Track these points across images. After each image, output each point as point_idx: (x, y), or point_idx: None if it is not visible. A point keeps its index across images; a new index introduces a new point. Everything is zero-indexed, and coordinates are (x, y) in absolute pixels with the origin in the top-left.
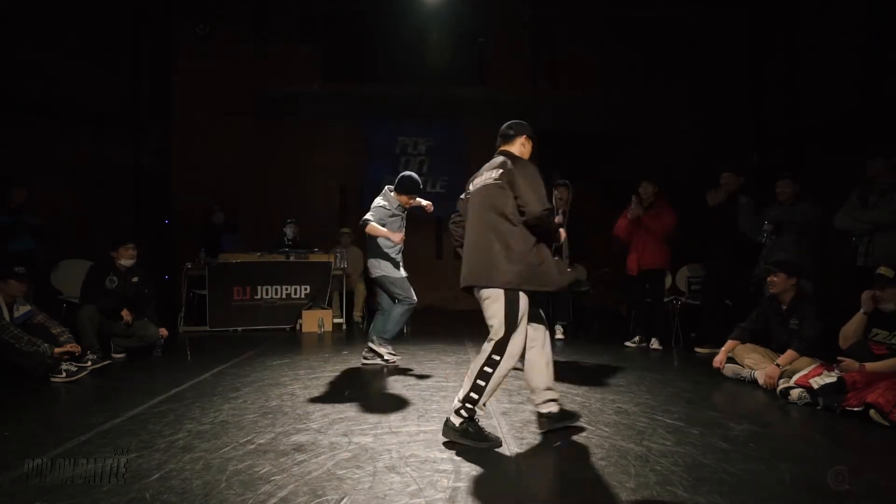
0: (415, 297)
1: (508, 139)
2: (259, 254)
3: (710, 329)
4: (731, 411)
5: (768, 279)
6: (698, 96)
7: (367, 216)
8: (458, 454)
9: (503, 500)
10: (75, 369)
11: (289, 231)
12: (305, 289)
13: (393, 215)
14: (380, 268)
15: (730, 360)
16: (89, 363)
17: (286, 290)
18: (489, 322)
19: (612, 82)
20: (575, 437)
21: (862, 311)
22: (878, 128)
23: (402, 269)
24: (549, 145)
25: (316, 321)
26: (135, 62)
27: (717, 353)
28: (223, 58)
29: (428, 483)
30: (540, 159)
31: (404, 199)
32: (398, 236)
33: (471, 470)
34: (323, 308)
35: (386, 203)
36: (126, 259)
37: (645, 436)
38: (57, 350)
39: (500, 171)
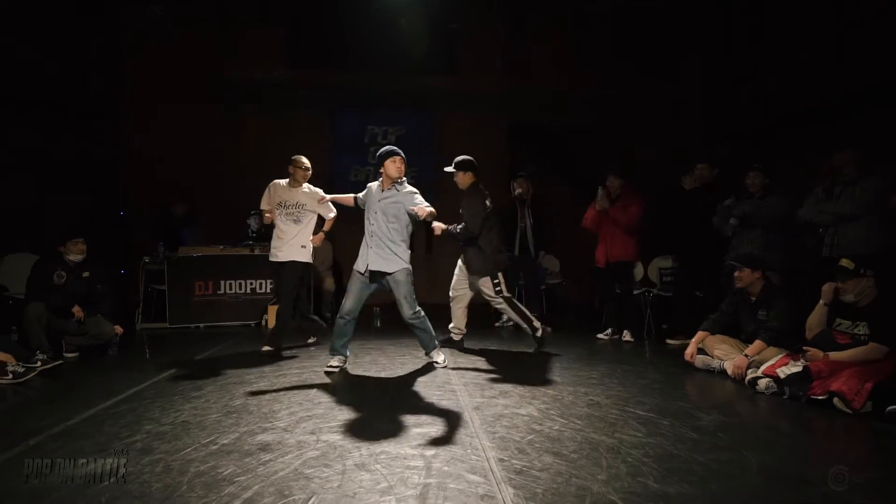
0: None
1: None
2: (222, 247)
3: (682, 321)
4: (701, 402)
5: (734, 274)
6: (672, 87)
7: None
8: (428, 450)
9: (474, 496)
10: (23, 370)
11: (253, 223)
12: (270, 283)
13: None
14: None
15: (700, 350)
16: (38, 363)
17: (251, 284)
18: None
19: (585, 73)
20: (547, 431)
21: (822, 301)
22: (845, 120)
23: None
24: (521, 137)
25: None
26: (83, 46)
27: (688, 345)
28: (181, 42)
29: (398, 480)
30: (513, 149)
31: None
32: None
33: (442, 465)
34: None
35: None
36: (75, 254)
37: (617, 428)
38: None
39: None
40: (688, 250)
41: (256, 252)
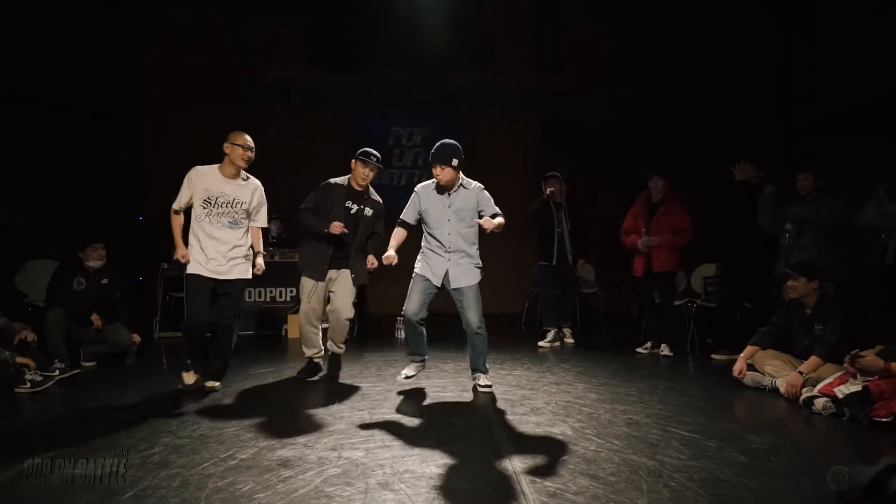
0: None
1: None
2: None
3: (728, 334)
4: (751, 422)
5: (788, 284)
6: (716, 84)
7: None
8: (454, 470)
9: None
10: (41, 379)
11: (273, 228)
12: (291, 291)
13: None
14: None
15: (749, 367)
16: (57, 372)
17: (270, 292)
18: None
19: (623, 68)
20: (583, 451)
21: None
22: None
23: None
24: (554, 136)
25: None
26: (108, 46)
27: (735, 360)
28: (203, 43)
29: (424, 501)
30: (545, 151)
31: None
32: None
33: (469, 486)
34: None
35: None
36: (94, 260)
37: (658, 449)
38: (19, 359)
39: None
40: (734, 257)
41: (276, 259)
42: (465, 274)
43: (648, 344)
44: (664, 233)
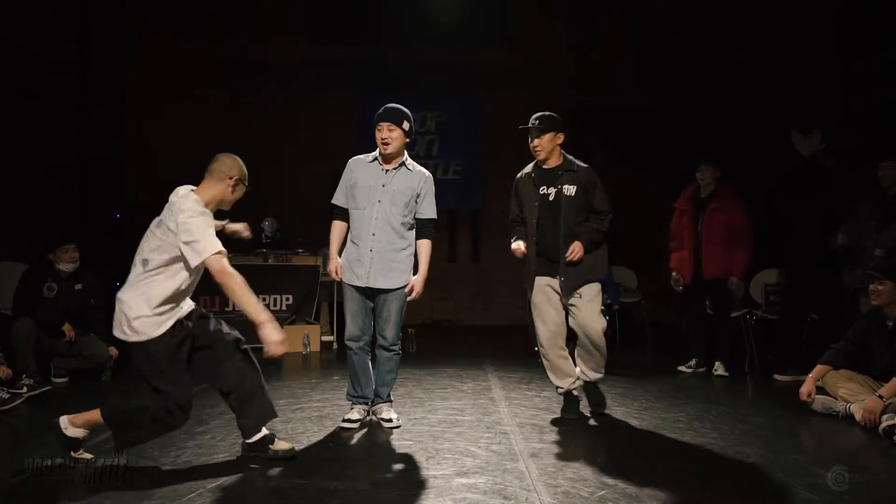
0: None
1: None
2: (230, 255)
3: (793, 351)
4: (821, 454)
5: (870, 288)
6: (767, 63)
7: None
8: None
9: None
10: (8, 396)
11: (267, 227)
12: (287, 299)
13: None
14: None
15: (819, 390)
16: (25, 389)
17: (263, 300)
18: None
19: (663, 44)
20: (623, 486)
21: None
22: None
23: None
24: (585, 120)
25: (300, 338)
26: (81, 25)
27: (802, 382)
28: (187, 20)
29: None
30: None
31: None
32: None
33: None
34: (308, 322)
35: None
36: (66, 263)
37: (712, 484)
38: None
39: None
40: (800, 261)
41: (271, 261)
42: (387, 272)
43: (693, 362)
44: (717, 233)
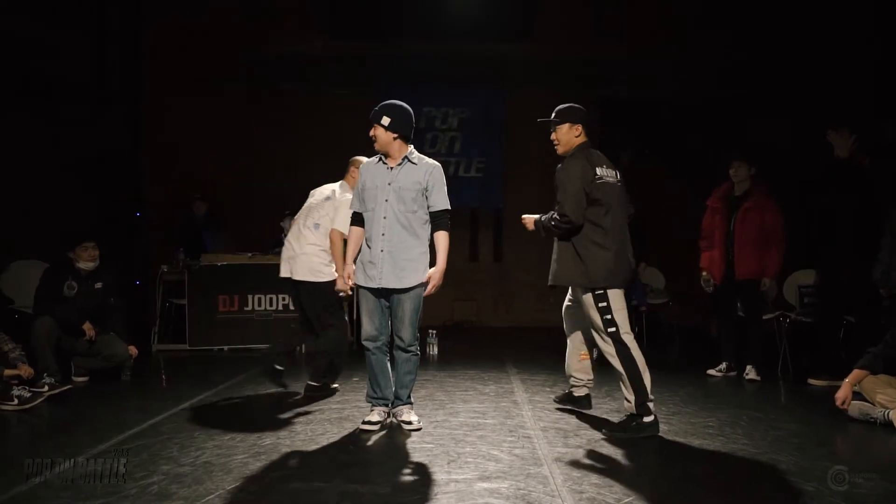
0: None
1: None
2: (250, 254)
3: (829, 355)
4: (858, 462)
5: None
6: (803, 54)
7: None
8: None
9: None
10: (29, 395)
11: (286, 226)
12: None
13: None
14: None
15: (856, 395)
16: (46, 388)
17: (283, 299)
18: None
19: (693, 36)
20: (651, 493)
21: None
22: None
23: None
24: (615, 115)
25: None
26: (97, 17)
27: (837, 387)
28: (205, 13)
29: None
30: (604, 132)
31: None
32: None
33: None
34: None
35: None
36: (85, 261)
37: (743, 493)
38: (7, 372)
39: (617, 172)
40: (836, 261)
41: None
42: (399, 271)
43: (724, 365)
44: (750, 233)
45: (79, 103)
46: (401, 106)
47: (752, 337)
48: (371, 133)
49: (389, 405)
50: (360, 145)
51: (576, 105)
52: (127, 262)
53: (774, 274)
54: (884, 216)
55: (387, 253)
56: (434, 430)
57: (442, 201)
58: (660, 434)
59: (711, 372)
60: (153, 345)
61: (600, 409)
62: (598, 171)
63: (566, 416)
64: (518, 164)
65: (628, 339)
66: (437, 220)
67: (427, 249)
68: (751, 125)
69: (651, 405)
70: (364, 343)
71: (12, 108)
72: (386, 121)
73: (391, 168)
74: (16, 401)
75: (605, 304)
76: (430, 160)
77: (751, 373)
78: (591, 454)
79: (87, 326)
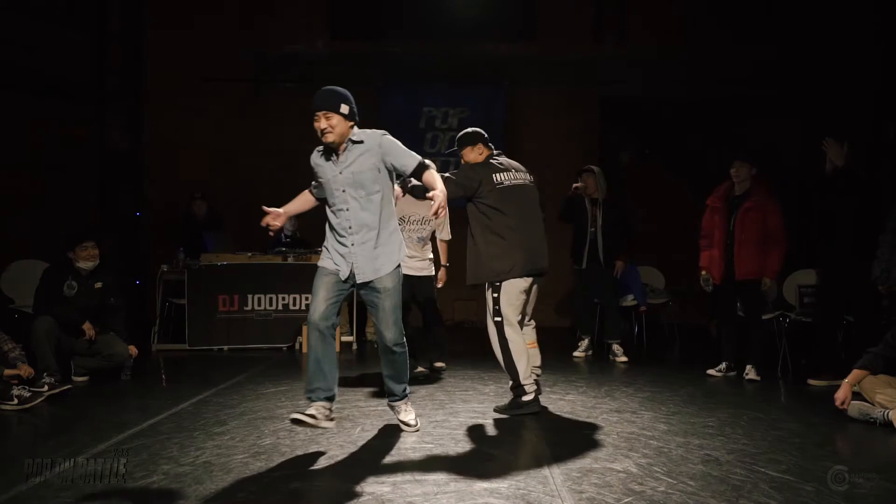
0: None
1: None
2: (250, 254)
3: (829, 355)
4: (857, 462)
5: None
6: (806, 54)
7: None
8: None
9: None
10: (29, 394)
11: (287, 226)
12: (306, 297)
13: None
14: None
15: (856, 395)
16: (46, 388)
17: (283, 299)
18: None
19: (696, 35)
20: (650, 493)
21: None
22: None
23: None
24: (615, 114)
25: None
26: (98, 14)
27: (837, 387)
28: (206, 12)
29: None
30: (605, 132)
31: None
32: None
33: None
34: None
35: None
36: (85, 260)
37: (742, 493)
38: (7, 372)
39: (528, 174)
40: (834, 261)
41: (290, 260)
42: (373, 260)
43: (723, 365)
44: (751, 233)
45: (79, 103)
46: (344, 90)
47: (752, 337)
48: (323, 125)
49: (333, 400)
50: None
51: (469, 130)
52: (127, 261)
53: (775, 274)
54: (884, 215)
55: (357, 246)
56: (434, 430)
57: (410, 159)
58: (661, 433)
59: (711, 372)
60: (153, 344)
61: (600, 408)
62: (497, 176)
63: (566, 415)
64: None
65: (510, 331)
66: (419, 171)
67: (396, 227)
68: (751, 125)
69: (528, 386)
70: (315, 323)
71: (12, 107)
72: (345, 108)
73: (338, 156)
74: (16, 400)
75: (497, 295)
76: (371, 131)
77: (751, 373)
78: (591, 454)
79: (86, 326)
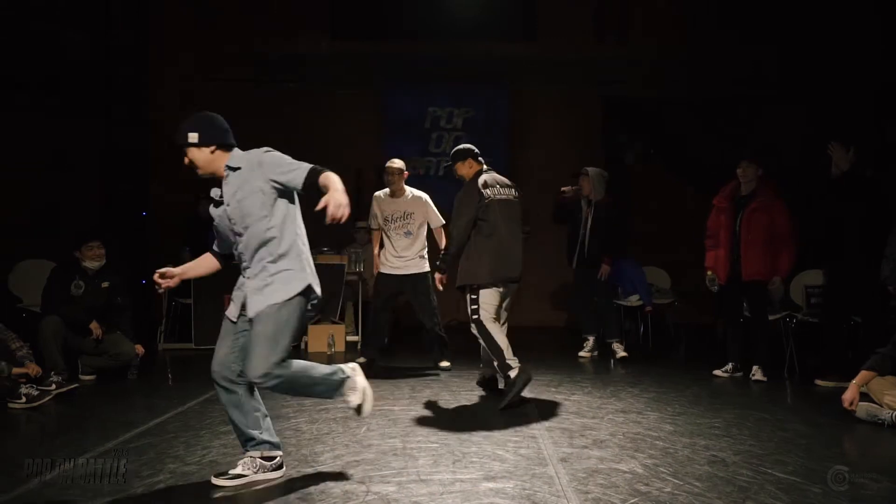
0: None
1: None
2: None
3: (836, 355)
4: (865, 464)
5: None
6: (809, 53)
7: None
8: None
9: None
10: (37, 393)
11: None
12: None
13: None
14: None
15: (863, 396)
16: (53, 386)
17: None
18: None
19: (698, 35)
20: (656, 494)
21: None
22: None
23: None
24: (617, 115)
25: (325, 338)
26: (101, 13)
27: (845, 388)
28: (209, 12)
29: None
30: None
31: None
32: None
33: None
34: (334, 322)
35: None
36: (91, 260)
37: (749, 494)
38: (15, 370)
39: (515, 190)
40: (842, 261)
41: None
42: (257, 293)
43: (729, 366)
44: (756, 234)
45: (85, 101)
46: (201, 114)
47: (758, 337)
48: (185, 162)
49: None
50: (362, 145)
51: (461, 147)
52: (133, 261)
53: (786, 274)
54: (892, 216)
55: (249, 280)
56: (439, 430)
57: (296, 172)
58: (666, 434)
59: (717, 372)
60: (159, 344)
61: (605, 409)
62: (486, 192)
63: (571, 416)
64: (521, 164)
65: (489, 324)
66: (311, 181)
67: (288, 249)
68: (756, 125)
69: (511, 362)
70: (222, 377)
71: (17, 105)
72: (194, 137)
73: (221, 187)
74: (24, 399)
75: (475, 297)
76: (251, 151)
77: (757, 373)
78: (597, 454)
79: (93, 325)
